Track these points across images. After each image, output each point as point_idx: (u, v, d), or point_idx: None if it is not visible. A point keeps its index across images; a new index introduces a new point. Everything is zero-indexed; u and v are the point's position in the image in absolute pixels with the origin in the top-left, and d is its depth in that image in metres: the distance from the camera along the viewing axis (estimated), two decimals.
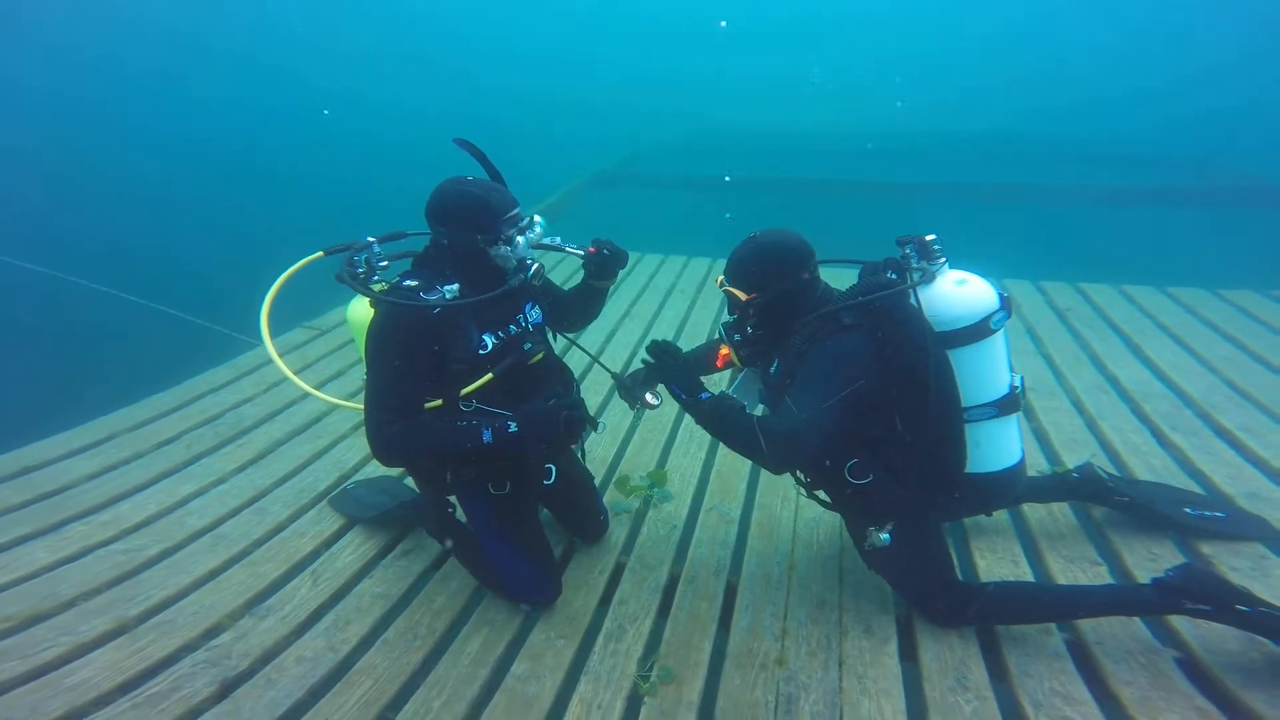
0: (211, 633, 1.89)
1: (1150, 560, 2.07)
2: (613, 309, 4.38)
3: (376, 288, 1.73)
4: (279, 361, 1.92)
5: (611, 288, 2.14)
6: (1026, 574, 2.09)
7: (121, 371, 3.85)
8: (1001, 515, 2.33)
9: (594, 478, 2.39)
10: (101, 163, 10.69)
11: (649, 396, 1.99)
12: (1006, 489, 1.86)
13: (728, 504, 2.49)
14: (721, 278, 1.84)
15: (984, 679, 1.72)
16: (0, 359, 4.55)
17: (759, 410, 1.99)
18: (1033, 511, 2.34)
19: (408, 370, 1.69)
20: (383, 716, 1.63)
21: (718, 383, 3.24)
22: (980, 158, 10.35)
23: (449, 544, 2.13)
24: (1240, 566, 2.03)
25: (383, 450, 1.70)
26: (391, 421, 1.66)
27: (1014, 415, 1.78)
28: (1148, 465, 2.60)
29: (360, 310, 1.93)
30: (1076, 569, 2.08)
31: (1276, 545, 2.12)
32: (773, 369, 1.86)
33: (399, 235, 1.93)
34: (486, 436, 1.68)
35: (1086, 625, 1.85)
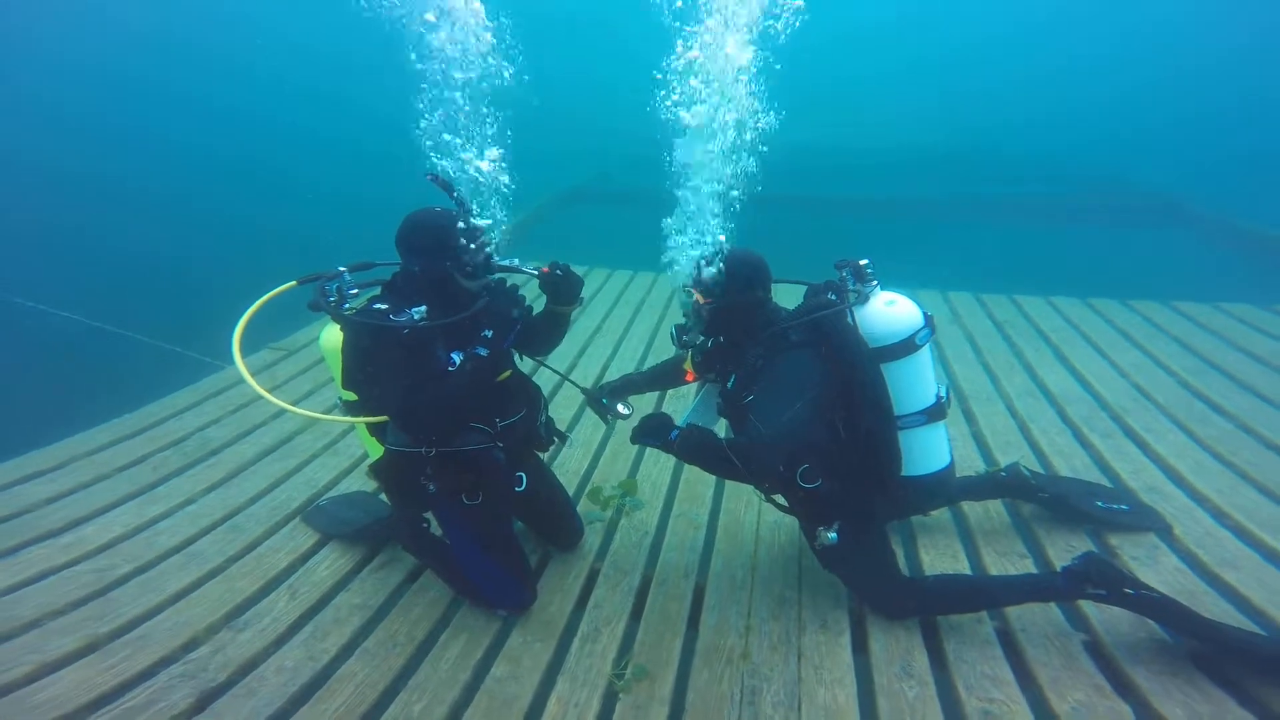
0: (189, 646, 1.90)
1: (1068, 551, 2.31)
2: (584, 324, 4.51)
3: (346, 313, 1.82)
4: (251, 381, 1.95)
5: (575, 312, 2.25)
6: (965, 568, 2.30)
7: (75, 395, 3.76)
8: (943, 514, 2.55)
9: (566, 489, 2.49)
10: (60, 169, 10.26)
11: (620, 407, 2.14)
12: (938, 489, 2.09)
13: (695, 510, 2.63)
14: (685, 283, 2.02)
15: (925, 666, 1.89)
16: None
17: (721, 424, 2.16)
18: (970, 510, 2.56)
19: (388, 370, 1.80)
20: None
21: (670, 398, 3.38)
22: (929, 173, 10.88)
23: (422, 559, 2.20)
24: (1138, 555, 2.29)
25: (415, 418, 1.85)
26: (405, 396, 1.79)
27: (941, 422, 2.00)
28: (1069, 464, 2.87)
29: (333, 337, 2.02)
30: (1007, 562, 2.30)
31: (1165, 535, 2.40)
32: (730, 384, 2.04)
33: (368, 265, 2.03)
34: (481, 350, 1.88)
35: (1013, 614, 2.06)
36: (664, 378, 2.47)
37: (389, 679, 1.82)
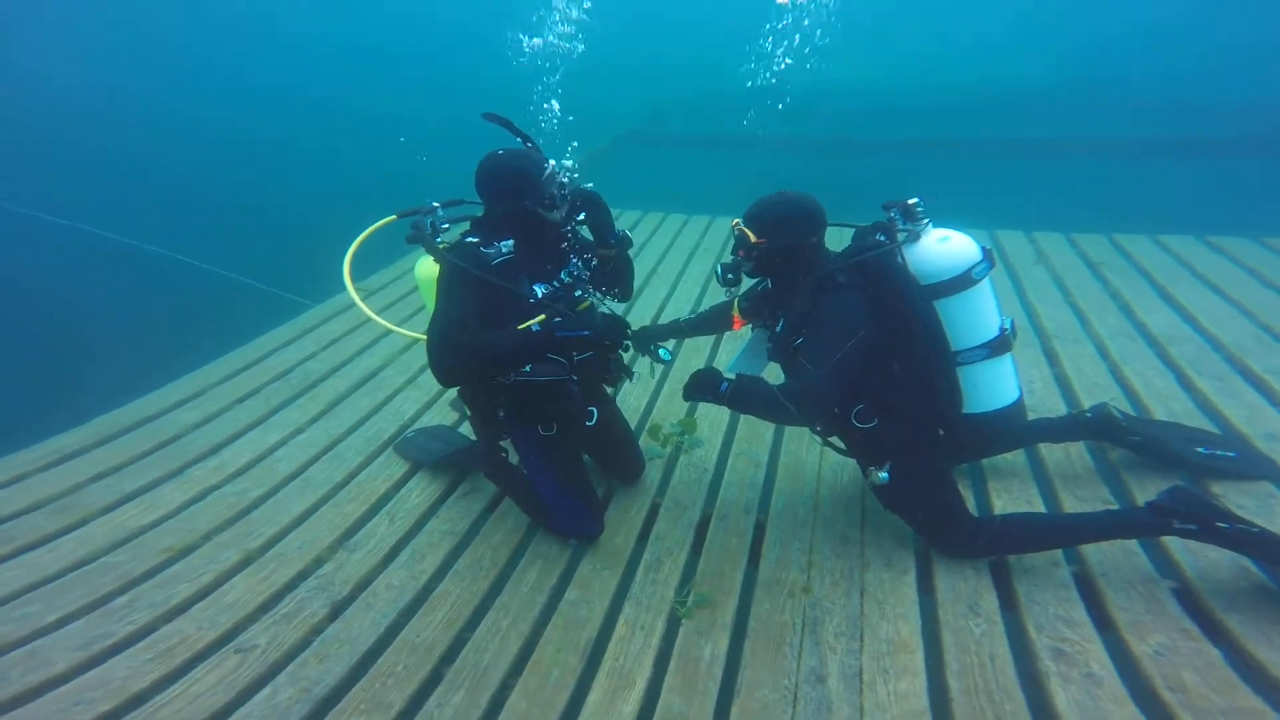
0: (317, 563, 2.26)
1: None
2: (637, 270, 4.50)
3: (439, 248, 1.98)
4: (364, 308, 2.19)
5: (628, 251, 2.26)
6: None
7: (191, 330, 4.23)
8: (1018, 457, 2.46)
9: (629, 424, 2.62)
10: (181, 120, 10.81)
11: (660, 352, 2.22)
12: (1005, 426, 2.03)
13: (756, 449, 2.70)
14: (738, 220, 2.01)
15: (994, 606, 1.91)
16: (98, 322, 5.04)
17: (766, 369, 2.16)
18: (1049, 453, 2.46)
19: (469, 299, 1.91)
20: (461, 635, 1.97)
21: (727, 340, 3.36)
22: (1005, 112, 9.63)
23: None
24: (1246, 505, 2.14)
25: (441, 353, 1.84)
26: (451, 333, 1.88)
27: (1006, 355, 1.93)
28: (1168, 408, 2.66)
29: (427, 267, 2.18)
30: (1089, 508, 2.21)
31: None
32: (779, 327, 2.02)
33: (459, 202, 2.16)
34: (535, 327, 1.92)
35: (1094, 558, 2.00)
36: (710, 323, 2.47)
37: (478, 599, 2.10)
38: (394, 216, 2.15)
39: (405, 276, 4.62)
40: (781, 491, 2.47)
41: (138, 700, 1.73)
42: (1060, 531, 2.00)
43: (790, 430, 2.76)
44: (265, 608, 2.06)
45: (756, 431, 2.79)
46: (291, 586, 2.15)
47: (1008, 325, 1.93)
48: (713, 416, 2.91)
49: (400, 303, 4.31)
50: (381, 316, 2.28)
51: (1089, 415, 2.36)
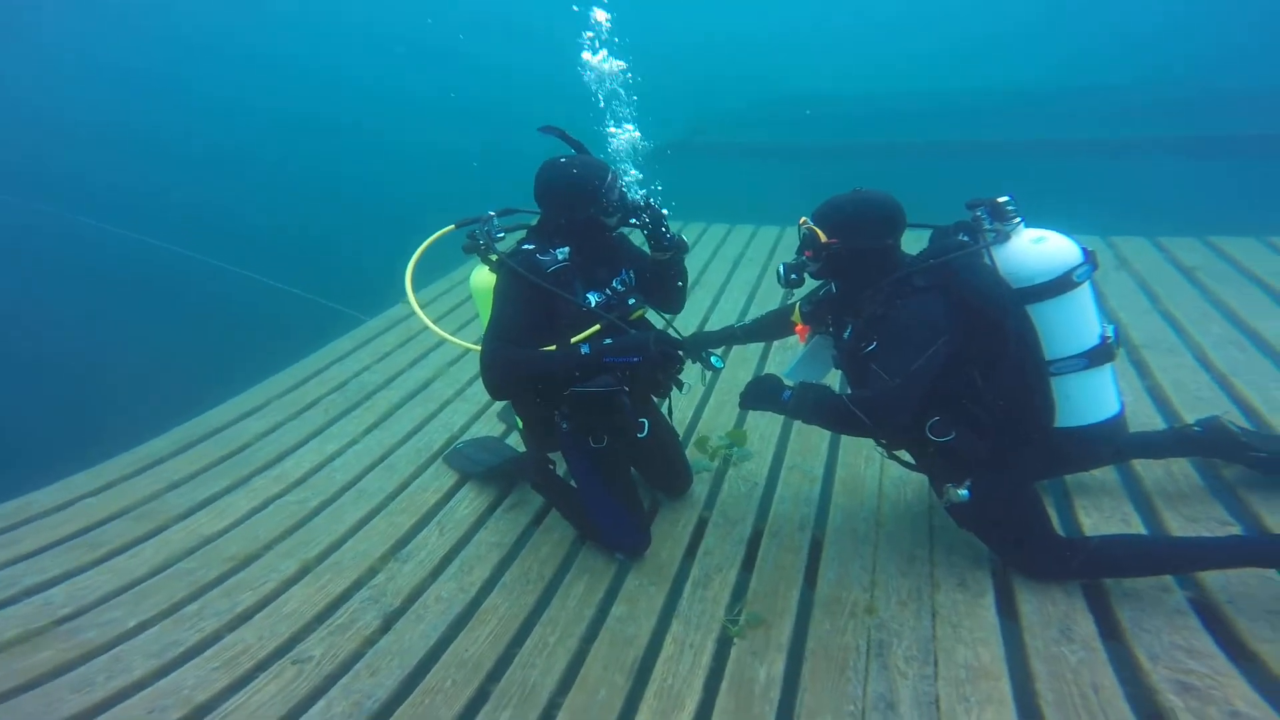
0: (370, 573, 2.31)
1: None
2: None
3: (494, 258, 2.00)
4: (423, 317, 2.25)
5: (677, 261, 2.20)
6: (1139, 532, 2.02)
7: (256, 343, 4.49)
8: (1106, 473, 2.25)
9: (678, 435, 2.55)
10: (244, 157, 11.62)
11: (712, 360, 2.14)
12: (1103, 442, 1.84)
13: (810, 462, 2.57)
14: (806, 218, 1.90)
15: (1091, 631, 1.72)
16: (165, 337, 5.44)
17: (829, 378, 2.03)
18: (1146, 470, 2.22)
19: (524, 313, 1.91)
20: (509, 650, 1.95)
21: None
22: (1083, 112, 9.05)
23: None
24: None
25: (492, 368, 1.87)
26: (503, 346, 1.89)
27: (1107, 366, 1.75)
28: None
29: (482, 277, 2.21)
30: (1202, 529, 1.98)
31: None
32: (846, 334, 1.89)
33: (514, 210, 2.18)
34: (584, 349, 1.89)
35: (1215, 584, 1.78)
36: (768, 329, 2.36)
37: (525, 613, 2.08)
38: (452, 226, 2.19)
39: (459, 286, 4.73)
40: (839, 507, 2.34)
41: (203, 710, 1.80)
42: (1177, 555, 1.78)
43: (847, 443, 2.62)
44: (321, 618, 2.11)
45: (810, 444, 2.66)
46: (346, 597, 2.20)
47: (1110, 332, 1.77)
48: (763, 428, 2.80)
49: (454, 313, 4.41)
50: (437, 326, 2.31)
51: (1197, 429, 2.12)
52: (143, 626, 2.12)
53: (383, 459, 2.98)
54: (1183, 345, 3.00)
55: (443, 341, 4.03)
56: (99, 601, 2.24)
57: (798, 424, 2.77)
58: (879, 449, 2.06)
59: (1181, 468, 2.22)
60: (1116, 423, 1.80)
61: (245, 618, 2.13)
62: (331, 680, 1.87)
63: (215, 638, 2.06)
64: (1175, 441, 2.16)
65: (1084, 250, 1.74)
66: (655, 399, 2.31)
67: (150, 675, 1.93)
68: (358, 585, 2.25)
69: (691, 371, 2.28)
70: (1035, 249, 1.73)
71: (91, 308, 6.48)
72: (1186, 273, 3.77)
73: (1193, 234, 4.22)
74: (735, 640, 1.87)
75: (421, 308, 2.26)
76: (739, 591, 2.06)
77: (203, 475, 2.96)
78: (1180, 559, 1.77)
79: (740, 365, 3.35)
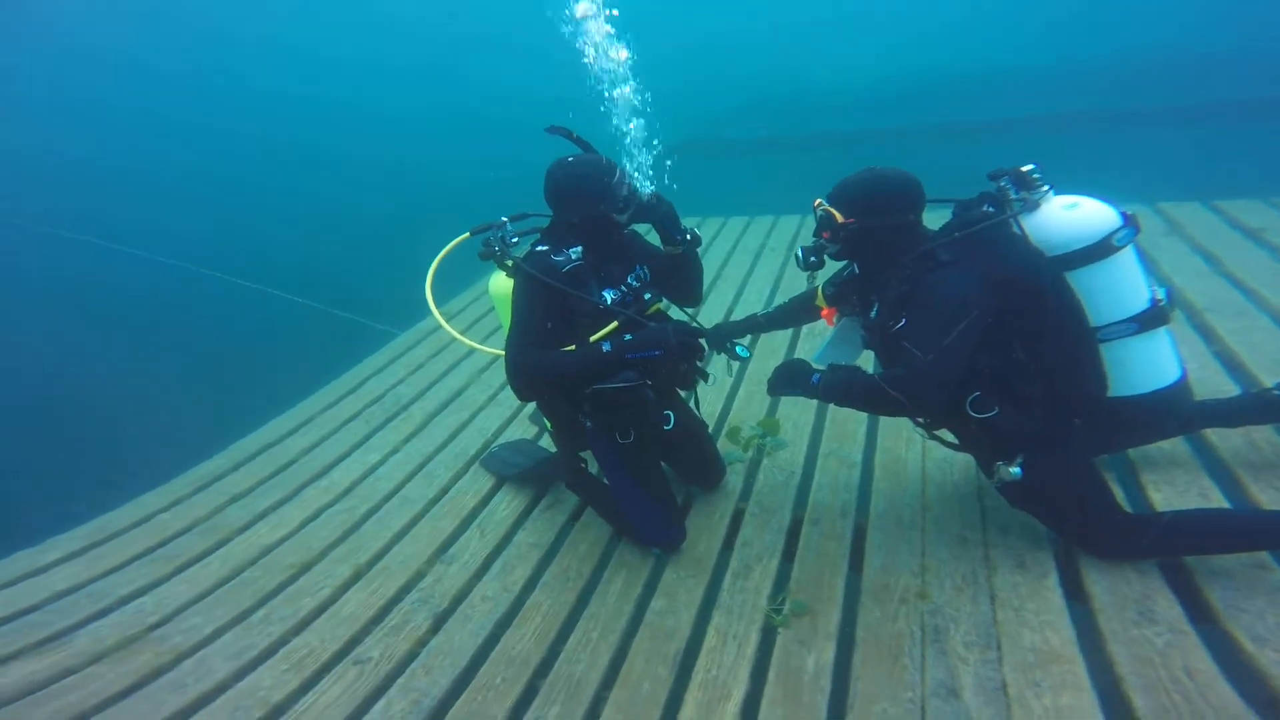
0: (418, 576, 2.40)
1: None
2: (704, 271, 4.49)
3: (509, 263, 2.04)
4: (446, 326, 2.32)
5: (690, 254, 2.21)
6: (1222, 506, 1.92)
7: (297, 363, 4.68)
8: (1177, 445, 2.14)
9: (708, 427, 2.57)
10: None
11: (738, 349, 2.14)
12: (1165, 411, 1.76)
13: (847, 448, 2.55)
14: (821, 200, 1.87)
15: (1177, 613, 1.63)
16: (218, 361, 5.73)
17: (862, 360, 2.01)
18: (1224, 440, 2.12)
19: (542, 315, 1.96)
20: (554, 646, 2.01)
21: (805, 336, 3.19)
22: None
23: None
24: None
25: (516, 373, 1.93)
26: (526, 350, 1.94)
27: (1161, 329, 1.69)
28: None
29: (500, 282, 2.25)
30: None
31: None
32: (873, 313, 1.88)
33: (526, 215, 2.22)
34: (606, 346, 1.92)
35: None
36: (792, 315, 2.34)
37: (567, 610, 2.14)
38: (467, 234, 2.24)
39: (483, 298, 4.83)
40: (881, 492, 2.31)
41: (279, 710, 1.92)
42: (1268, 528, 1.68)
43: (885, 426, 2.58)
44: (376, 620, 2.22)
45: (847, 429, 2.63)
46: (397, 599, 2.30)
47: (1161, 295, 1.70)
48: (795, 416, 2.79)
49: (480, 322, 4.52)
50: (463, 336, 2.38)
51: (1278, 391, 1.98)
52: (218, 632, 2.26)
53: (422, 466, 3.08)
54: (1255, 307, 2.85)
55: (472, 350, 4.18)
56: (181, 609, 2.40)
57: (832, 409, 2.74)
58: (919, 430, 2.02)
59: (1265, 435, 2.09)
60: (1178, 389, 1.72)
61: (307, 622, 2.26)
62: (390, 680, 1.97)
63: (283, 641, 2.19)
64: (1254, 406, 2.02)
65: (1123, 214, 1.67)
66: (681, 391, 2.33)
67: (231, 677, 2.06)
68: (407, 588, 2.35)
69: (718, 363, 2.29)
70: (1068, 215, 1.68)
71: (139, 338, 6.86)
72: (1252, 234, 3.56)
73: (1256, 195, 3.95)
74: (780, 630, 1.87)
75: (449, 319, 2.33)
76: (781, 581, 2.06)
77: (258, 489, 3.13)
78: (1274, 532, 1.67)
79: (769, 355, 3.34)
